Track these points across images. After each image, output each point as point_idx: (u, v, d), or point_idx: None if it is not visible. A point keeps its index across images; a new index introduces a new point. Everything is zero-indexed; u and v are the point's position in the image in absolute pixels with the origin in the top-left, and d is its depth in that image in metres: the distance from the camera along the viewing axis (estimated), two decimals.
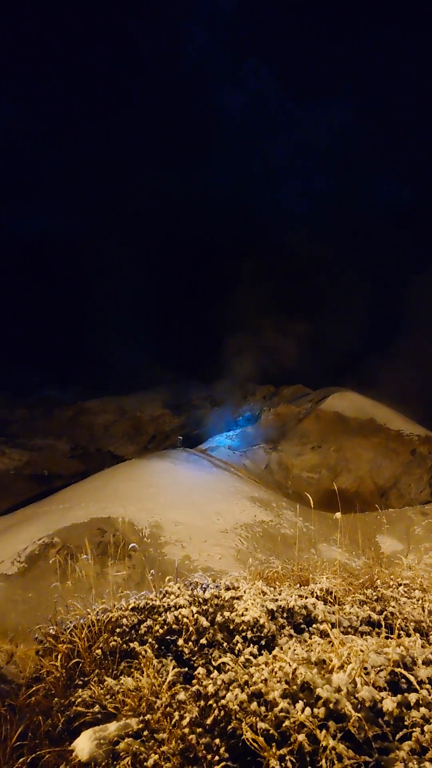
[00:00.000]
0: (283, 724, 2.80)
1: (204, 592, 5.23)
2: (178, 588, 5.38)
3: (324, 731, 2.71)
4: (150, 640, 4.41)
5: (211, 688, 3.24)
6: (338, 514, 6.51)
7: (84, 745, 3.14)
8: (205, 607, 4.81)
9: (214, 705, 3.09)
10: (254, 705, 2.97)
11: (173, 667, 3.90)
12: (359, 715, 2.81)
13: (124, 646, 4.39)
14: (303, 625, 4.55)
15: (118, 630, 4.66)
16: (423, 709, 2.82)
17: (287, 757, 2.65)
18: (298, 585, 6.06)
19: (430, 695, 2.96)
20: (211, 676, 3.48)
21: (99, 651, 4.34)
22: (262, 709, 2.95)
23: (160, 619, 4.63)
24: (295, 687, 3.11)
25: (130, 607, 5.09)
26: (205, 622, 4.43)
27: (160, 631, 4.51)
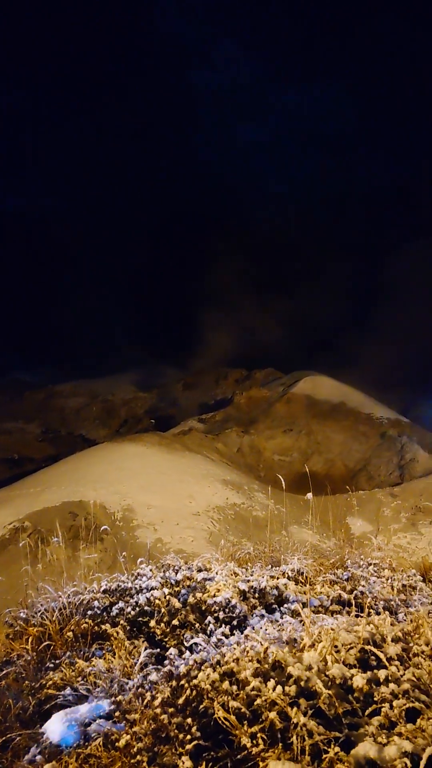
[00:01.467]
0: (255, 703, 2.82)
1: (176, 573, 5.23)
2: (150, 570, 5.38)
3: (295, 708, 2.73)
4: (122, 622, 4.41)
5: (183, 669, 3.25)
6: (309, 495, 6.55)
7: (55, 727, 3.12)
8: (177, 589, 4.82)
9: (186, 685, 3.09)
10: (226, 684, 2.99)
11: (145, 648, 3.90)
12: (330, 692, 2.84)
13: (96, 628, 4.38)
14: (275, 605, 4.58)
15: (89, 612, 4.64)
16: (392, 685, 2.86)
17: (258, 735, 2.67)
18: (270, 566, 6.10)
19: (399, 671, 3.01)
20: (183, 656, 3.49)
21: (70, 634, 4.32)
22: (234, 688, 2.97)
23: (132, 601, 4.63)
24: (266, 666, 3.13)
25: (102, 589, 5.08)
26: (177, 604, 4.44)
27: (132, 612, 4.50)
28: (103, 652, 4.11)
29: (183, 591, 4.77)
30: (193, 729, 2.85)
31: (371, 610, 4.20)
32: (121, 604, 4.62)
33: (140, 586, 4.88)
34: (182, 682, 3.15)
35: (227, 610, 4.35)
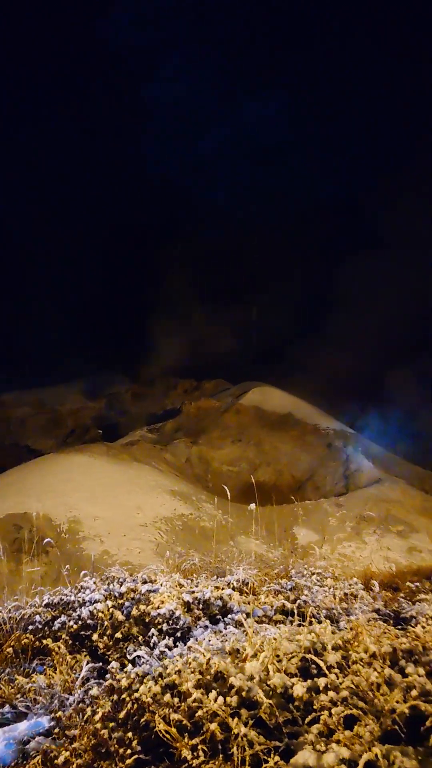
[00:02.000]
0: (196, 714, 2.82)
1: (120, 586, 5.19)
2: (94, 583, 5.32)
3: (236, 719, 2.75)
4: (64, 636, 4.34)
5: (124, 682, 3.22)
6: (252, 506, 6.61)
7: None
8: (121, 601, 4.77)
9: (128, 698, 3.07)
10: (168, 696, 2.98)
11: (87, 663, 3.84)
12: (270, 701, 2.86)
13: (37, 643, 4.29)
14: (219, 616, 4.59)
15: (30, 627, 4.55)
16: (331, 693, 2.91)
17: (199, 747, 2.67)
18: (215, 577, 6.11)
19: (338, 679, 3.06)
20: (125, 669, 3.45)
21: (10, 649, 4.22)
22: (176, 700, 2.96)
23: (74, 614, 4.56)
24: (209, 677, 3.14)
25: (44, 603, 4.99)
26: (120, 616, 4.40)
27: (75, 626, 4.44)
28: (45, 667, 4.03)
29: (127, 603, 4.73)
30: (134, 743, 2.83)
31: (313, 619, 4.26)
32: (63, 618, 4.55)
33: (83, 600, 4.82)
34: (123, 695, 3.12)
35: (171, 621, 4.34)
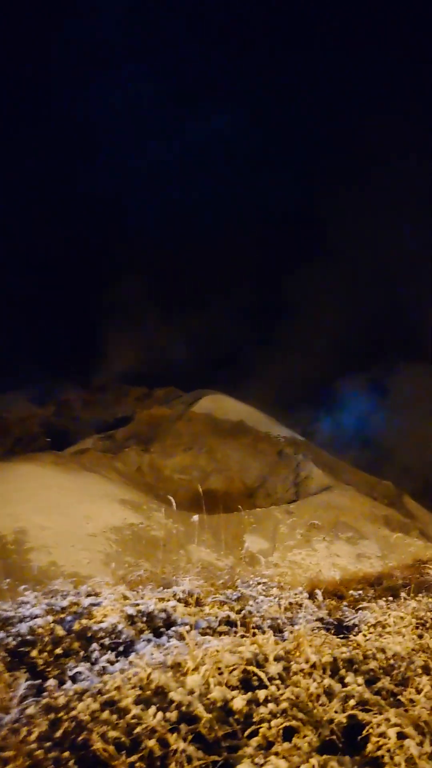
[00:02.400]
0: (135, 731, 2.78)
1: (63, 599, 5.09)
2: (35, 597, 5.20)
3: (175, 734, 2.71)
4: (1, 653, 4.21)
5: (62, 700, 3.14)
6: (195, 518, 6.59)
7: None
8: (62, 616, 4.68)
9: (65, 717, 3.00)
10: (106, 713, 2.92)
11: (26, 680, 3.74)
12: (210, 715, 2.84)
13: None
14: (162, 629, 4.55)
15: None
16: (271, 705, 2.91)
17: (137, 764, 2.63)
18: (161, 588, 6.06)
19: (279, 691, 3.06)
20: (64, 687, 3.38)
21: None
22: (114, 717, 2.91)
23: (13, 630, 4.44)
24: (149, 692, 3.10)
25: None
26: (61, 632, 4.31)
27: (13, 643, 4.32)
28: None
29: (69, 618, 4.64)
30: (71, 762, 2.76)
31: (256, 630, 4.26)
32: (1, 633, 4.42)
33: (23, 615, 4.70)
34: (61, 714, 3.05)
35: (113, 635, 4.27)
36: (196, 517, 6.70)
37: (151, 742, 2.68)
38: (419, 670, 3.50)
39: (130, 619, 4.58)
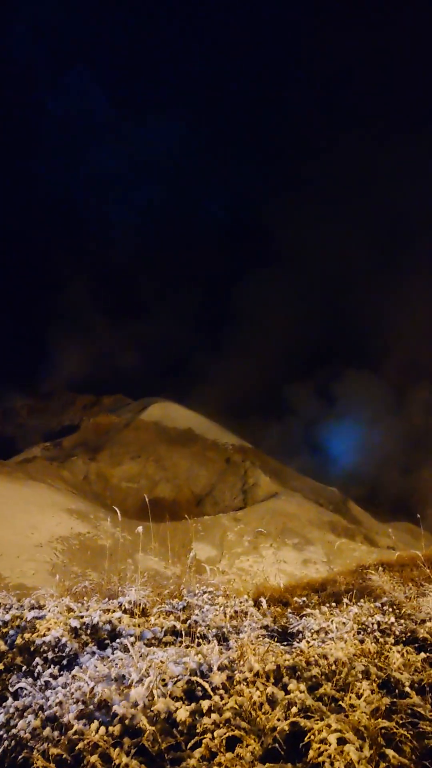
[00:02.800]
0: (77, 747, 2.75)
1: (6, 613, 4.98)
2: None
3: (118, 749, 2.70)
4: None
5: (2, 718, 3.08)
6: (140, 528, 6.55)
7: None
8: (5, 630, 4.58)
9: (5, 735, 2.94)
10: (48, 730, 2.88)
11: None
12: (154, 728, 2.84)
13: None
14: (107, 641, 4.50)
15: None
16: (214, 715, 2.92)
17: None
18: (107, 599, 5.99)
19: (222, 700, 3.07)
20: (5, 704, 3.31)
21: None
22: (56, 733, 2.87)
23: None
24: (92, 706, 3.07)
25: None
26: (2, 646, 4.22)
27: None
28: None
29: (11, 632, 4.55)
30: None
31: (202, 640, 4.27)
32: None
33: None
34: (1, 732, 2.99)
35: (57, 649, 4.21)
36: (140, 528, 6.63)
37: (93, 758, 2.66)
38: (360, 675, 3.57)
39: (74, 632, 4.52)
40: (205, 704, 3.01)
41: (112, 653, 4.10)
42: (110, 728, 2.84)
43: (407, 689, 3.55)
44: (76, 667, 3.80)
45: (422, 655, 4.27)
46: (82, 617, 4.74)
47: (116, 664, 3.72)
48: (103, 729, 2.81)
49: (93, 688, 3.15)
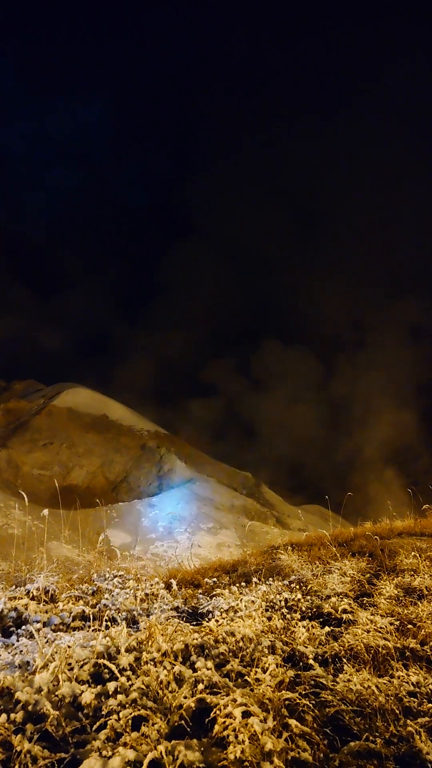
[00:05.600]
0: None
1: None
2: None
3: (20, 736, 2.62)
4: None
5: None
6: (45, 512, 6.41)
7: None
8: None
9: None
10: None
11: None
12: (58, 712, 2.78)
13: None
14: (12, 628, 4.38)
15: None
16: (120, 696, 2.90)
17: None
18: (14, 586, 5.83)
19: (129, 681, 3.06)
20: None
21: None
22: None
23: None
24: None
25: None
26: None
27: None
28: None
29: None
30: None
31: (110, 623, 4.23)
32: None
33: None
34: None
35: None
36: (45, 512, 6.48)
37: None
38: (266, 651, 3.65)
39: None
40: (111, 686, 2.98)
41: (17, 640, 4.00)
42: (12, 715, 2.76)
43: (311, 661, 3.67)
44: None
45: (326, 629, 4.42)
46: None
47: (21, 650, 3.63)
48: (4, 716, 2.72)
49: None
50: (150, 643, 3.55)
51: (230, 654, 3.61)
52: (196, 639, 3.71)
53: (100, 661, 3.27)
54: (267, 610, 4.94)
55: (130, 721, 2.76)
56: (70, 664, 3.29)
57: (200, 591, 6.02)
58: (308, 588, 5.89)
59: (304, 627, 4.38)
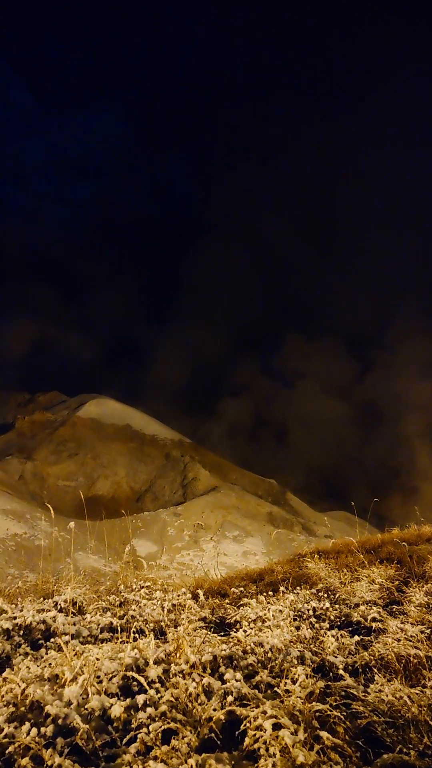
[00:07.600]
0: (7, 750, 2.66)
1: None
2: None
3: (50, 750, 2.63)
4: None
5: None
6: (72, 524, 6.43)
7: None
8: None
9: None
10: None
11: None
12: (88, 726, 2.78)
13: None
14: (41, 641, 4.39)
15: None
16: (149, 709, 2.89)
17: None
18: (42, 598, 5.86)
19: (158, 694, 3.05)
20: None
21: None
22: None
23: None
24: (23, 708, 2.98)
25: None
26: None
27: None
28: None
29: None
30: None
31: (138, 635, 4.23)
32: None
33: None
34: None
35: None
36: (72, 524, 6.51)
37: (24, 761, 2.58)
38: (295, 661, 3.62)
39: (6, 634, 4.39)
40: (140, 699, 2.97)
41: (46, 653, 4.01)
42: (42, 729, 2.76)
43: (341, 672, 3.62)
44: (8, 669, 3.69)
45: (356, 638, 4.37)
46: (14, 618, 4.61)
47: (50, 663, 3.64)
48: (35, 730, 2.73)
49: (24, 690, 3.06)
50: (178, 655, 3.54)
51: (259, 665, 3.58)
52: (225, 650, 3.69)
53: (129, 673, 3.27)
54: (295, 620, 4.90)
55: (159, 735, 2.75)
56: (98, 676, 3.29)
57: (227, 601, 5.99)
58: (336, 596, 5.83)
59: (333, 636, 4.34)
